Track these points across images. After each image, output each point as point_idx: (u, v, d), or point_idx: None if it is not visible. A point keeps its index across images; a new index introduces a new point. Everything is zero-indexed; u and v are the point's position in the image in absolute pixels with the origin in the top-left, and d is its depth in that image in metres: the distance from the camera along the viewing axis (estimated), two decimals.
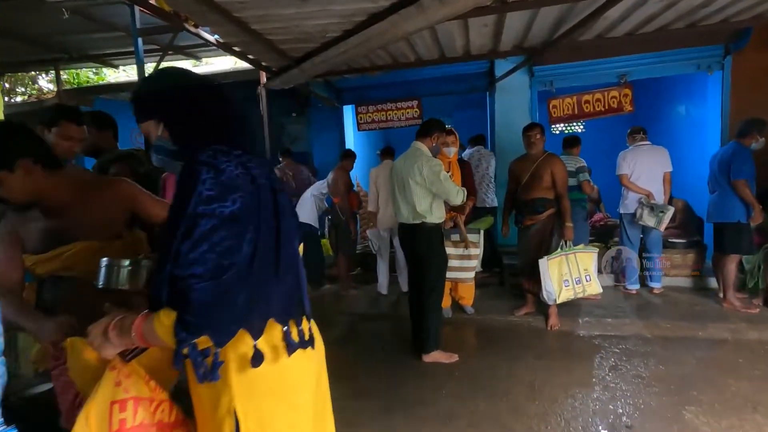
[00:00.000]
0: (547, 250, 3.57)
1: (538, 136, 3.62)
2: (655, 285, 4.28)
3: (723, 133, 4.65)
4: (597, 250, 3.58)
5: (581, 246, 3.59)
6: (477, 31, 3.19)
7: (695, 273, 4.46)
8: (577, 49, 4.78)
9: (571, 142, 4.37)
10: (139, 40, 2.60)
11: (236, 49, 3.13)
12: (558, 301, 3.44)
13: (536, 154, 3.65)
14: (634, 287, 4.34)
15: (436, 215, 2.99)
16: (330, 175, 4.77)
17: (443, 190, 2.89)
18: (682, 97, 5.57)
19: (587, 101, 5.00)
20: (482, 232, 3.80)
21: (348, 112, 6.06)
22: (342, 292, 4.86)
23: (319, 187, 4.95)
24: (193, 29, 2.67)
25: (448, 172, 3.65)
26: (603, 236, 5.09)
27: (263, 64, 3.60)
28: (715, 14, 3.25)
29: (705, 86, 4.91)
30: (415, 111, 5.58)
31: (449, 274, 3.32)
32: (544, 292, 3.49)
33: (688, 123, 5.43)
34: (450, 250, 3.35)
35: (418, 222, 2.98)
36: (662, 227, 4.04)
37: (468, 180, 3.81)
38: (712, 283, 4.39)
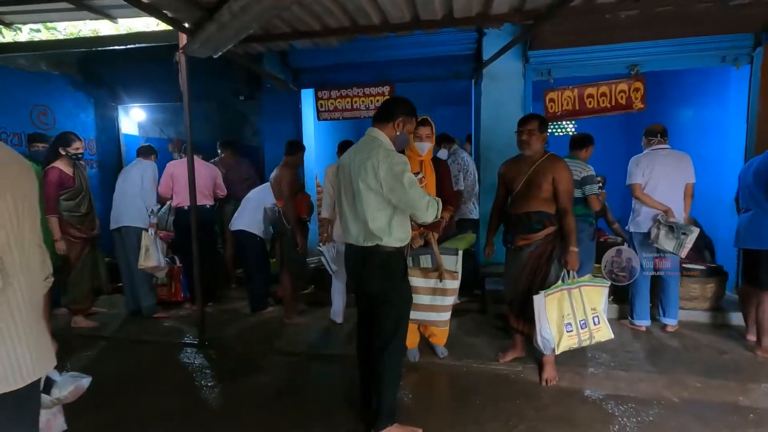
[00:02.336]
0: (543, 282, 2.72)
1: (537, 132, 2.74)
2: (670, 322, 3.48)
3: (748, 140, 3.90)
4: (608, 283, 2.73)
5: (587, 277, 2.73)
6: None
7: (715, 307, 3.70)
8: (580, 32, 3.97)
9: (579, 141, 3.52)
10: None
11: None
12: (557, 351, 2.58)
13: (534, 156, 2.78)
14: (643, 323, 3.54)
15: (398, 236, 2.08)
16: (273, 174, 3.80)
17: (407, 199, 1.97)
18: (697, 95, 4.81)
19: (590, 95, 4.18)
20: (461, 253, 2.91)
21: (307, 97, 5.09)
22: (286, 319, 3.90)
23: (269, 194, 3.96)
24: None
25: (418, 174, 2.74)
26: (600, 257, 4.29)
27: (168, 14, 2.61)
28: None
29: (727, 83, 4.17)
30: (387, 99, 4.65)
31: (416, 315, 2.42)
32: (539, 339, 2.63)
33: (703, 126, 4.69)
34: (418, 281, 2.44)
35: (370, 245, 2.06)
36: (683, 253, 3.25)
37: (445, 184, 2.93)
38: (734, 318, 3.65)
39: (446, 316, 2.52)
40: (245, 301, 4.31)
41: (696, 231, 3.22)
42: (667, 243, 3.29)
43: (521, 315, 2.87)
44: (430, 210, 1.98)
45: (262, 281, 4.14)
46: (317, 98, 4.83)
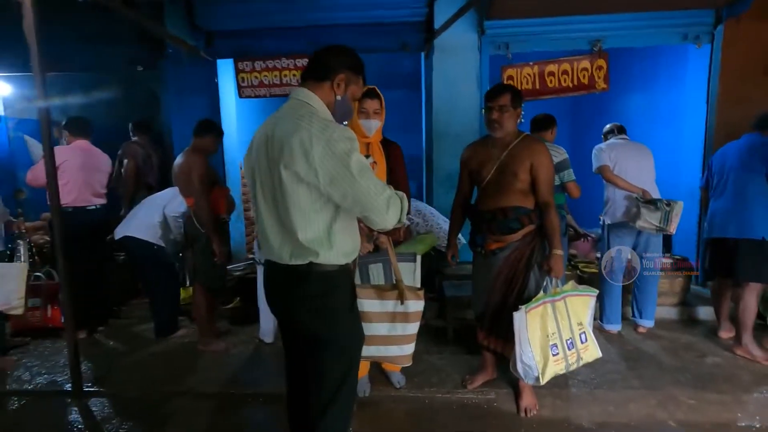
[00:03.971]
0: (521, 293, 2.21)
1: (510, 108, 2.19)
2: (648, 324, 3.18)
3: (708, 124, 3.71)
4: (596, 292, 2.28)
5: (570, 285, 2.26)
6: None
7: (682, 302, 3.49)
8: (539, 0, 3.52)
9: (543, 122, 3.08)
10: None
11: None
12: (543, 381, 2.08)
13: (506, 138, 2.24)
14: (614, 328, 3.20)
15: (342, 248, 1.40)
16: (177, 162, 2.94)
17: (356, 195, 1.29)
18: (653, 75, 4.58)
19: (552, 73, 3.77)
20: (419, 258, 2.32)
21: (226, 69, 4.20)
22: (201, 346, 3.08)
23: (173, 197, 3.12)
24: None
25: (367, 158, 2.09)
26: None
27: None
28: None
29: (684, 63, 3.94)
30: None
31: (369, 351, 1.78)
32: (519, 365, 2.11)
33: (659, 109, 4.47)
34: (371, 305, 1.78)
35: (300, 263, 1.37)
36: (672, 227, 2.93)
37: (398, 172, 2.31)
38: (701, 313, 3.45)
39: (409, 349, 1.90)
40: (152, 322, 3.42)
41: (680, 203, 2.93)
42: (652, 217, 2.94)
43: (493, 331, 2.36)
44: (391, 210, 1.33)
45: (166, 299, 3.27)
46: (237, 70, 3.98)
